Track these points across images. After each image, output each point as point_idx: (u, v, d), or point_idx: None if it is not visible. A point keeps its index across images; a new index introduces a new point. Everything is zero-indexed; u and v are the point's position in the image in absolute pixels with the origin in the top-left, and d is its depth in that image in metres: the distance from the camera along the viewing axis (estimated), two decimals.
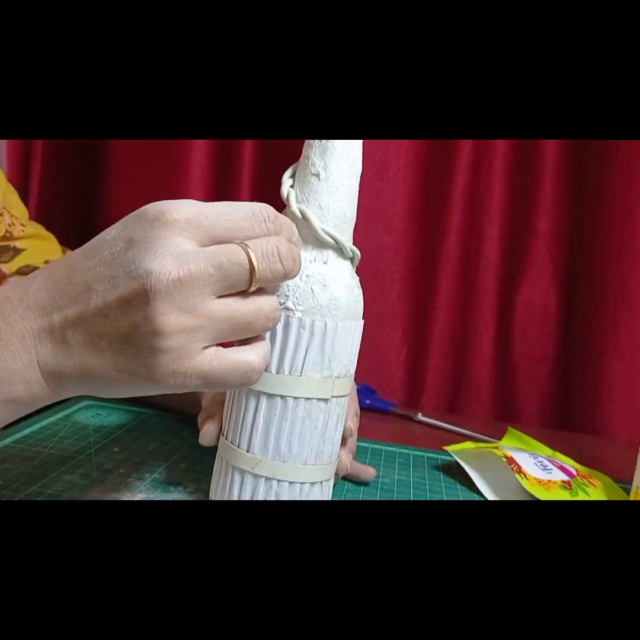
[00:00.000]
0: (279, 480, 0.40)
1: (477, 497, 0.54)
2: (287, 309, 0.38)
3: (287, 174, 0.40)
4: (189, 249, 0.31)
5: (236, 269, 0.32)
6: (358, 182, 0.40)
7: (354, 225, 0.41)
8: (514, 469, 0.53)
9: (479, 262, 0.87)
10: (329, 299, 0.38)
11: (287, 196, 0.39)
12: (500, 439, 0.65)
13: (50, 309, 0.32)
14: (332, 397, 0.40)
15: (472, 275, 0.88)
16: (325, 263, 0.39)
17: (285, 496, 0.40)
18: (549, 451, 0.64)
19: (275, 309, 0.34)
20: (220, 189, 0.89)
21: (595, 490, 0.55)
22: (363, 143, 0.40)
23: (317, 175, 0.39)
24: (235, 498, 0.41)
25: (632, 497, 0.52)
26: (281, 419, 0.39)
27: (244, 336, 0.34)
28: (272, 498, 0.40)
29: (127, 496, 0.47)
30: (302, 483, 0.40)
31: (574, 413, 0.86)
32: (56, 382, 0.32)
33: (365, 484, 0.54)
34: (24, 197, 0.72)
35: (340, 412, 0.41)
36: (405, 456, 0.62)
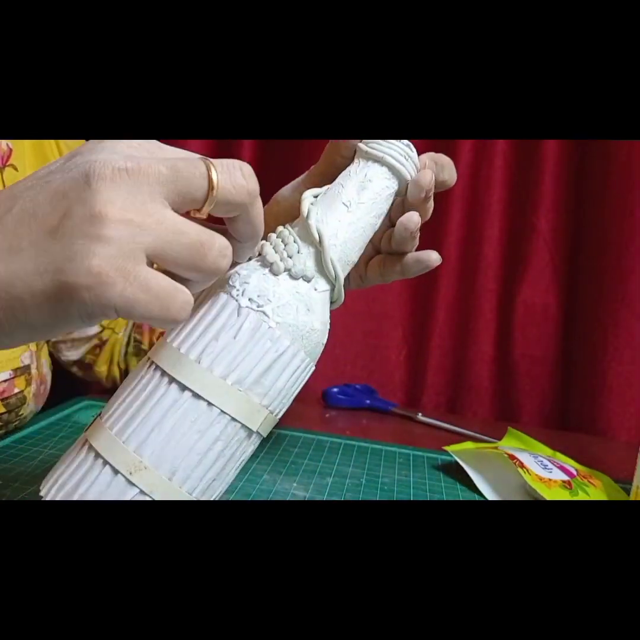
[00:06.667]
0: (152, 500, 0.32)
1: (477, 497, 0.54)
2: (264, 314, 0.33)
3: (309, 192, 0.38)
4: (139, 154, 0.28)
5: (193, 174, 0.28)
6: (371, 236, 0.39)
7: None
8: (516, 463, 0.53)
9: (479, 262, 0.87)
10: (307, 324, 0.35)
11: (308, 213, 0.37)
12: (500, 439, 0.65)
13: None
14: (256, 431, 0.34)
15: (472, 276, 0.88)
16: (316, 290, 0.36)
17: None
18: (549, 451, 0.64)
19: (228, 248, 0.29)
20: None
21: (595, 490, 0.55)
22: None
23: (347, 205, 0.37)
24: (84, 497, 0.31)
25: (632, 497, 0.52)
26: (193, 430, 0.32)
27: (190, 262, 0.28)
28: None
29: None
30: None
31: (574, 413, 0.86)
32: None
33: None
34: None
35: (247, 456, 0.35)
36: (405, 456, 0.62)
